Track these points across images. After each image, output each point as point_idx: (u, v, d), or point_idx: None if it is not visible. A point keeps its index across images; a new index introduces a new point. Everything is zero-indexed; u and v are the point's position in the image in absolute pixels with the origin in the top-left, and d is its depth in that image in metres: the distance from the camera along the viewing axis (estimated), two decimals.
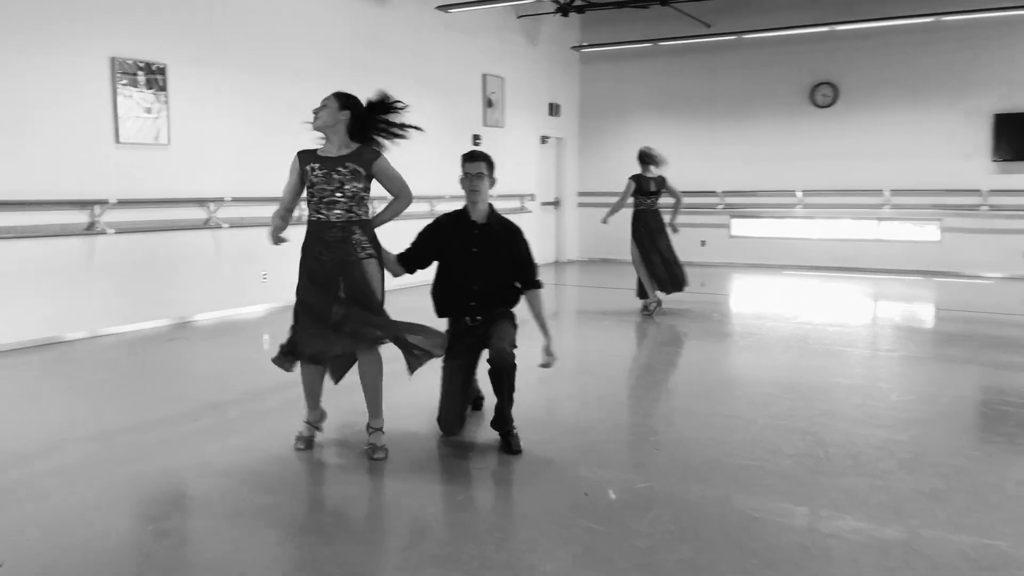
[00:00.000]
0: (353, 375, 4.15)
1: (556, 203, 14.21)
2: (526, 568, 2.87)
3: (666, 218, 8.42)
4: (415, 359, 3.99)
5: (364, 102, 4.06)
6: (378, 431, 4.06)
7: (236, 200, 8.24)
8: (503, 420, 4.13)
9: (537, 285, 4.39)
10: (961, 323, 8.37)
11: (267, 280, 8.39)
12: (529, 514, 3.44)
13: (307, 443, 4.14)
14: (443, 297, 4.39)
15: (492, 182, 4.31)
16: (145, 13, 7.43)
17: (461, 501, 3.67)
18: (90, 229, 7.08)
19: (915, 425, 4.59)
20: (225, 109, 8.21)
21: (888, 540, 3.09)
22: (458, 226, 4.32)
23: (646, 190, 8.29)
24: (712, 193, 13.32)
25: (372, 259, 3.94)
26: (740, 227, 13.36)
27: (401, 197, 4.06)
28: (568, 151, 14.39)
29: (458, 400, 4.30)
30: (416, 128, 4.17)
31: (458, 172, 4.31)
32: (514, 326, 4.35)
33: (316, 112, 3.97)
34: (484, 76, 12.07)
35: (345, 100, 3.95)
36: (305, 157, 3.99)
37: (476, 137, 11.71)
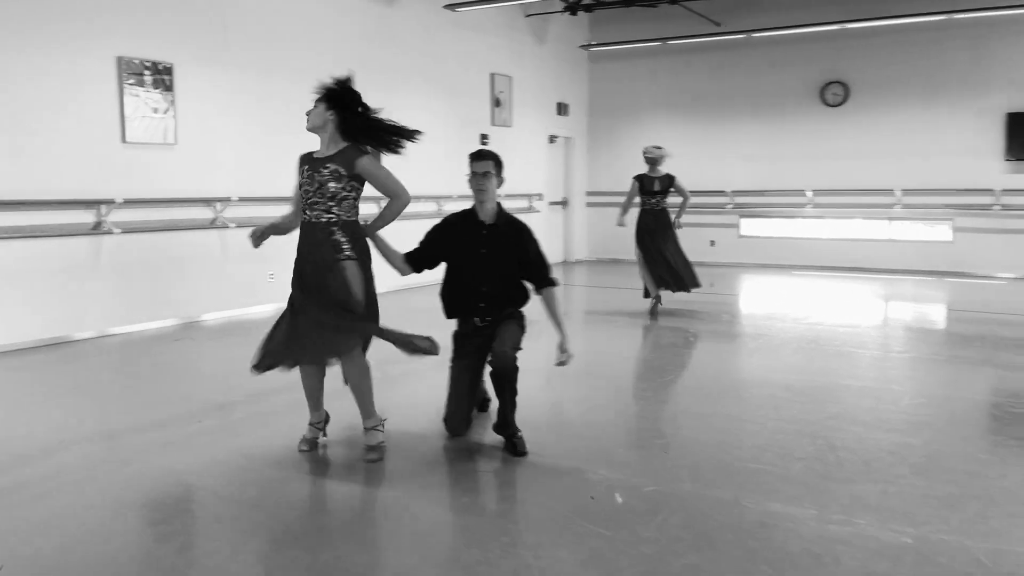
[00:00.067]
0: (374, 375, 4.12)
1: (564, 203, 14.16)
2: (531, 573, 2.82)
3: (671, 217, 8.38)
4: (407, 348, 3.95)
5: (354, 98, 3.95)
6: (372, 431, 4.01)
7: (243, 200, 8.22)
8: (505, 424, 4.09)
9: (551, 283, 4.33)
10: (974, 324, 8.28)
11: (274, 280, 8.37)
12: (534, 518, 3.39)
13: (310, 445, 4.11)
14: (452, 298, 4.34)
15: (500, 181, 4.26)
16: (152, 12, 7.43)
17: (465, 504, 3.64)
18: (97, 229, 7.07)
19: (927, 429, 4.53)
20: (232, 109, 8.20)
21: (900, 547, 3.03)
22: (466, 226, 4.27)
23: (649, 189, 8.26)
24: (721, 193, 13.25)
25: (351, 261, 3.85)
26: (750, 227, 13.28)
27: (395, 198, 3.96)
28: (576, 150, 14.34)
29: (465, 401, 4.26)
30: (411, 137, 4.00)
31: (466, 172, 4.26)
32: (521, 327, 4.30)
33: (308, 113, 3.95)
34: (492, 75, 12.04)
35: (330, 100, 3.88)
36: (302, 159, 3.99)
37: (484, 136, 11.68)
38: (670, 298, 8.72)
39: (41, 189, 6.68)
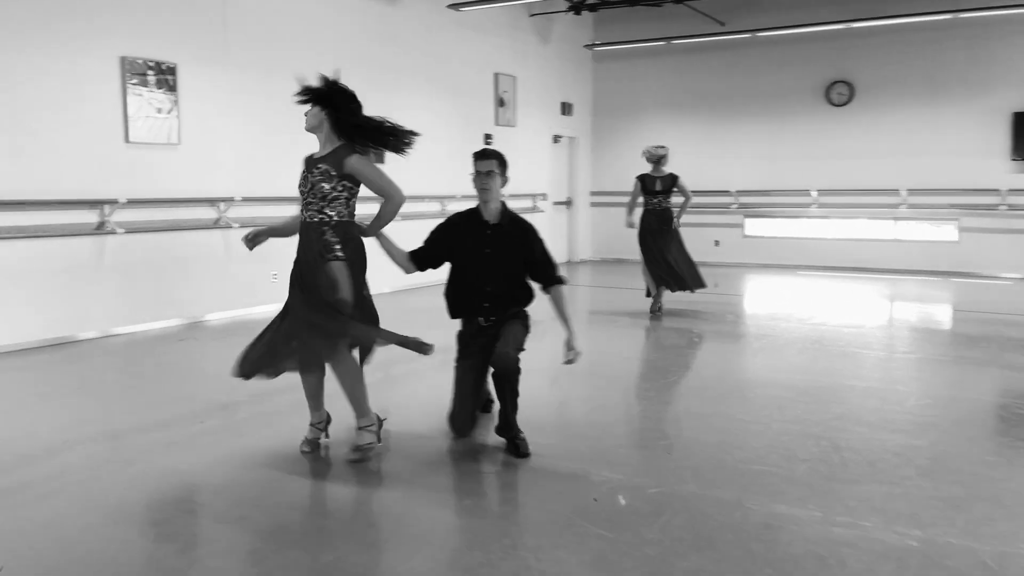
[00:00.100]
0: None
1: (568, 203, 14.14)
2: (533, 575, 2.81)
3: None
4: (401, 344, 3.94)
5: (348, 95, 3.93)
6: (362, 430, 3.97)
7: (246, 200, 8.22)
8: (507, 426, 4.07)
9: (559, 281, 4.29)
10: (980, 325, 8.24)
11: (277, 280, 8.36)
12: (537, 520, 3.37)
13: (312, 446, 4.10)
14: (456, 298, 4.32)
15: (504, 181, 4.23)
16: (155, 12, 7.43)
17: (467, 506, 3.62)
18: (100, 229, 7.07)
19: (933, 430, 4.50)
20: (236, 109, 8.19)
21: (906, 549, 3.01)
22: (470, 226, 4.24)
23: (651, 189, 8.26)
24: (726, 192, 13.21)
25: (339, 262, 3.82)
26: (754, 227, 13.24)
27: (387, 199, 3.90)
28: (581, 150, 14.32)
29: (470, 401, 4.24)
30: (408, 137, 3.95)
31: (470, 171, 4.23)
32: (526, 328, 4.28)
33: (306, 114, 3.94)
34: (496, 75, 12.02)
35: (319, 100, 3.87)
36: (305, 160, 3.99)
37: (488, 136, 11.66)
38: (674, 298, 8.69)
39: (44, 189, 6.69)
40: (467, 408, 4.23)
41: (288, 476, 3.82)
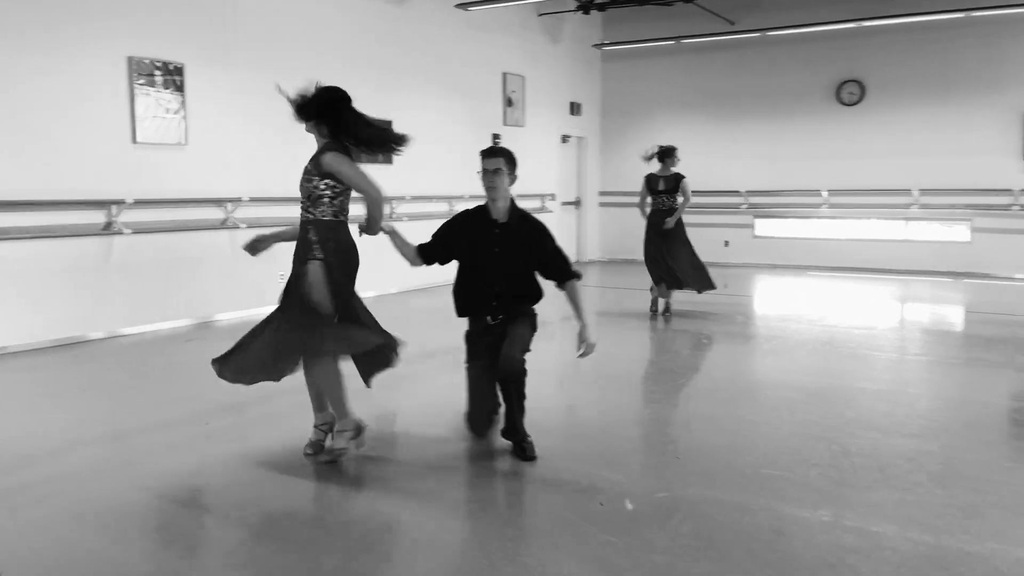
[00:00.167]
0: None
1: (577, 203, 14.09)
2: None
3: (686, 218, 8.33)
4: (372, 368, 3.94)
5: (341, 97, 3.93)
6: (340, 433, 3.94)
7: (253, 200, 8.21)
8: (514, 430, 4.02)
9: (573, 276, 4.23)
10: (993, 326, 8.15)
11: (284, 280, 8.34)
12: (542, 524, 3.33)
13: (316, 448, 4.06)
14: (464, 297, 4.27)
15: (512, 179, 4.17)
16: (163, 12, 7.42)
17: (471, 510, 3.58)
18: (107, 229, 7.07)
19: (945, 434, 4.43)
20: (243, 109, 8.18)
21: (918, 557, 2.95)
22: (479, 224, 4.19)
23: (655, 188, 8.26)
24: (736, 193, 13.14)
25: (315, 262, 3.79)
26: (764, 227, 13.16)
27: (365, 196, 3.84)
28: (589, 150, 14.27)
29: (486, 400, 4.18)
30: (398, 142, 3.92)
31: (477, 169, 4.18)
32: (533, 327, 4.22)
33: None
34: (504, 75, 11.98)
35: (303, 113, 3.90)
36: None
37: (496, 136, 11.62)
38: (684, 300, 8.63)
39: (52, 189, 6.68)
40: (484, 408, 4.19)
41: (291, 478, 3.79)
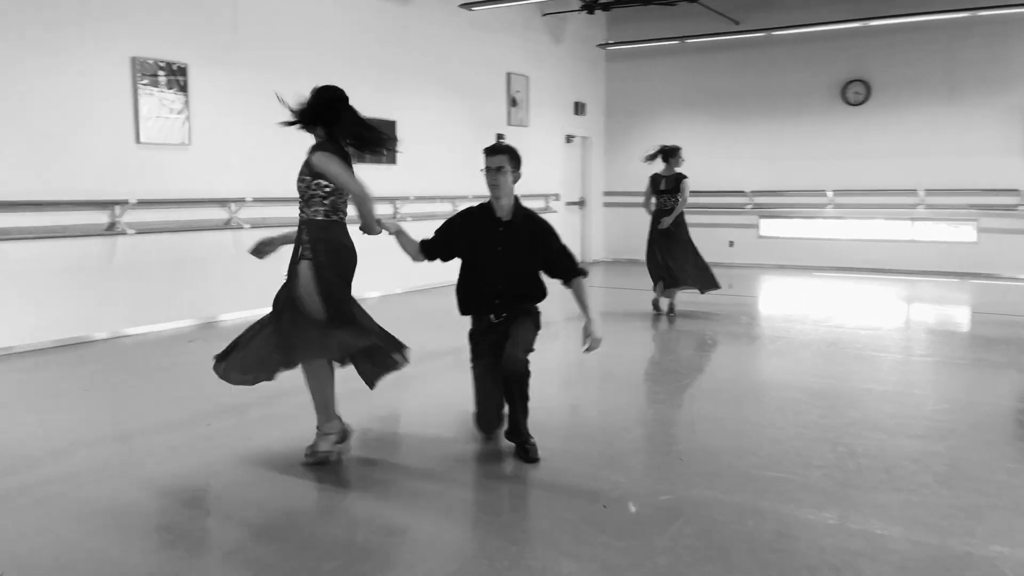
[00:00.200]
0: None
1: (581, 203, 14.07)
2: None
3: (690, 218, 8.32)
4: (374, 371, 3.91)
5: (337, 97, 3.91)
6: (325, 436, 3.92)
7: (257, 200, 8.20)
8: (517, 431, 4.00)
9: (579, 273, 4.21)
10: (999, 327, 8.10)
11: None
12: (545, 527, 3.31)
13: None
14: (467, 295, 4.25)
15: (516, 177, 4.14)
16: (166, 12, 7.41)
17: (474, 513, 3.56)
18: (111, 229, 7.07)
19: (952, 435, 4.40)
20: (246, 109, 8.17)
21: (923, 559, 2.92)
22: (482, 222, 4.17)
23: (656, 188, 8.28)
24: (741, 193, 13.10)
25: (304, 262, 3.77)
26: (769, 227, 13.12)
27: (353, 196, 3.82)
28: (594, 150, 14.24)
29: (495, 398, 4.16)
30: (388, 143, 3.93)
31: (481, 168, 4.16)
32: (536, 326, 4.20)
33: None
34: (508, 75, 11.97)
35: (300, 123, 3.89)
36: None
37: (500, 136, 11.60)
38: (688, 300, 8.61)
39: (55, 190, 6.69)
40: (491, 407, 4.18)
41: (293, 479, 3.77)
